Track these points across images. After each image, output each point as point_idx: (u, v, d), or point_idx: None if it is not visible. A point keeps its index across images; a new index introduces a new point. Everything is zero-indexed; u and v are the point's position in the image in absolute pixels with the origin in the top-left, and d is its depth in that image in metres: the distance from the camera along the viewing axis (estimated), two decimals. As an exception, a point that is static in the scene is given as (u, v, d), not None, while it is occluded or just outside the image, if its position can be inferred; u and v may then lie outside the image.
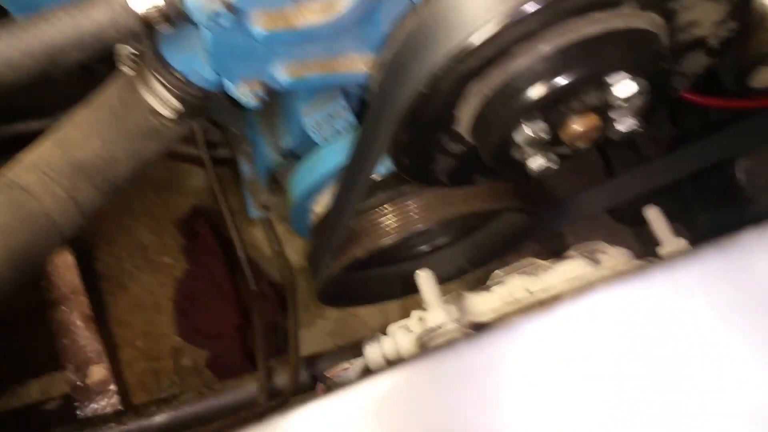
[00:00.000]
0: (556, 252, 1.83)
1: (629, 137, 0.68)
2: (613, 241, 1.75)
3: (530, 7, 0.54)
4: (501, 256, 1.21)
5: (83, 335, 1.36)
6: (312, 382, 1.22)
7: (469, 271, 1.21)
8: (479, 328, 0.67)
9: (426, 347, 0.70)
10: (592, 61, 0.58)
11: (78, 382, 1.33)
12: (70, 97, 1.28)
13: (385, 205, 0.94)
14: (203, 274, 1.46)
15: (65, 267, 1.40)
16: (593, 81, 0.60)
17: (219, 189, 1.28)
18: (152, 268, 1.55)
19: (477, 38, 0.55)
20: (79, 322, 1.37)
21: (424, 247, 1.16)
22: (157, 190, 1.58)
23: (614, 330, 0.29)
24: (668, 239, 0.72)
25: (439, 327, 0.66)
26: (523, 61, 0.59)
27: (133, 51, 0.80)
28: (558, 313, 0.34)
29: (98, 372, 1.36)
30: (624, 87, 0.59)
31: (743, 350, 0.25)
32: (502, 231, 1.15)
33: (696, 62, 0.72)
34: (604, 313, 0.31)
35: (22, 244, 0.76)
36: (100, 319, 1.44)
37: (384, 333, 0.82)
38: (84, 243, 1.52)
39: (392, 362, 0.78)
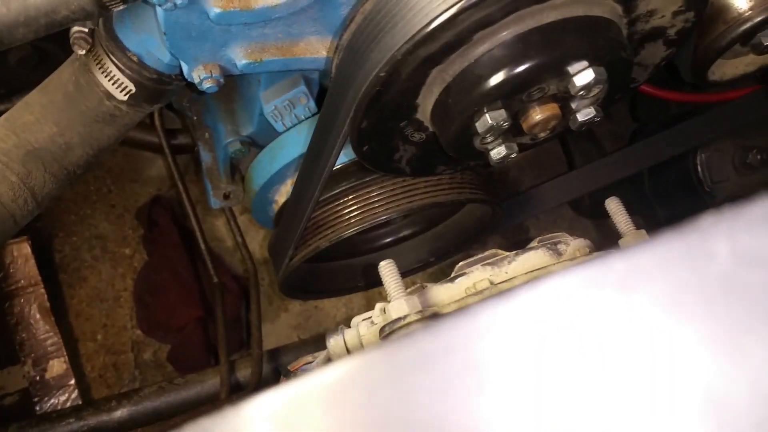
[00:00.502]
0: (519, 243, 1.85)
1: (589, 127, 0.68)
2: (575, 233, 1.77)
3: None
4: (464, 249, 1.21)
5: (42, 328, 1.33)
6: (275, 376, 1.20)
7: (433, 263, 1.21)
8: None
9: (388, 338, 0.69)
10: (551, 48, 0.58)
11: (36, 377, 1.30)
12: (25, 80, 1.24)
13: (347, 196, 0.93)
14: (163, 265, 1.43)
15: (23, 258, 1.37)
16: (553, 69, 0.60)
17: (179, 178, 1.25)
18: (112, 259, 1.51)
19: (437, 21, 0.54)
20: (37, 315, 1.34)
21: (387, 239, 1.15)
22: (115, 178, 1.55)
23: (570, 315, 0.29)
24: (629, 231, 0.72)
25: (402, 318, 0.65)
26: (483, 47, 0.59)
27: (86, 31, 0.77)
28: (514, 299, 0.34)
29: (57, 366, 1.33)
30: (584, 75, 0.59)
31: (699, 332, 0.25)
32: (466, 223, 1.15)
33: (655, 53, 0.72)
34: (560, 298, 0.30)
35: (-29, 232, 0.73)
36: (59, 311, 1.40)
37: (348, 326, 0.81)
38: (42, 233, 1.48)
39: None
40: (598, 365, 0.25)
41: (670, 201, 1.37)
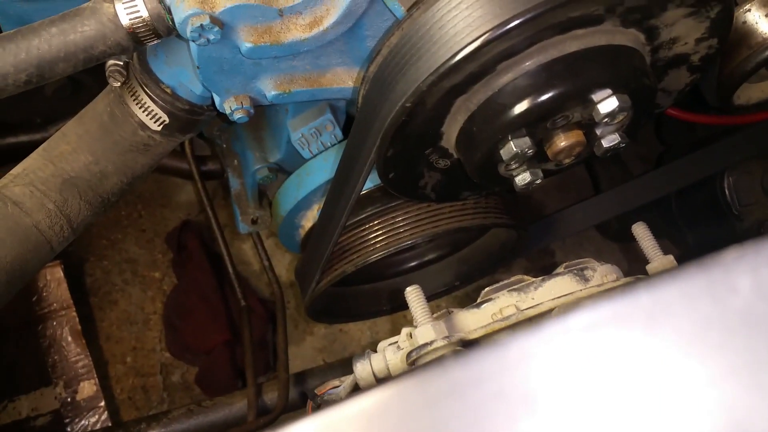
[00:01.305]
0: (545, 268, 1.84)
1: (614, 153, 0.69)
2: (602, 257, 1.76)
3: (513, 23, 0.54)
4: (490, 273, 1.21)
5: (73, 351, 1.36)
6: (302, 400, 1.21)
7: (458, 287, 1.21)
8: (469, 344, 0.67)
9: (415, 364, 0.69)
10: (574, 77, 0.59)
11: (68, 398, 1.32)
12: (60, 110, 1.29)
13: (373, 221, 0.94)
14: (192, 288, 1.46)
15: (55, 282, 1.40)
16: (577, 97, 0.61)
17: (208, 203, 1.28)
18: (141, 283, 1.54)
19: (462, 54, 0.55)
20: (69, 338, 1.37)
21: (412, 263, 1.16)
22: (146, 203, 1.58)
23: (598, 349, 0.29)
24: (656, 256, 0.72)
25: (429, 344, 0.65)
26: (507, 77, 0.60)
27: (121, 64, 0.80)
28: (543, 332, 0.34)
29: (88, 388, 1.35)
30: (607, 103, 0.60)
31: (722, 366, 0.25)
32: (491, 247, 1.15)
33: (678, 79, 0.73)
34: (589, 332, 0.31)
35: (12, 258, 0.76)
36: (90, 334, 1.43)
37: (374, 350, 0.81)
38: (74, 257, 1.51)
39: (382, 379, 0.77)
40: (625, 399, 0.26)
41: (698, 224, 1.35)
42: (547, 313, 0.62)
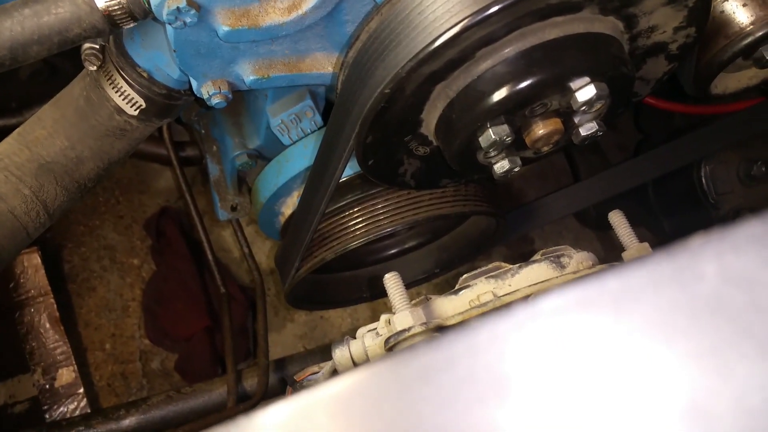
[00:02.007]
0: (524, 255, 1.85)
1: (592, 141, 0.69)
2: (580, 245, 1.78)
3: (493, 8, 0.54)
4: (470, 260, 1.21)
5: (51, 338, 1.35)
6: (281, 386, 1.21)
7: (438, 274, 1.22)
8: (446, 330, 0.67)
9: (393, 350, 0.70)
10: (553, 65, 0.59)
11: (46, 385, 1.31)
12: (36, 95, 1.26)
13: (353, 208, 0.94)
14: (171, 275, 1.45)
15: (33, 268, 1.38)
16: (555, 84, 0.61)
17: (187, 189, 1.27)
18: (120, 270, 1.53)
19: (441, 39, 0.55)
20: (47, 325, 1.36)
21: (392, 250, 1.16)
22: (124, 189, 1.56)
23: (566, 332, 0.30)
24: (632, 243, 0.73)
25: (407, 330, 0.66)
26: (486, 64, 0.60)
27: (97, 48, 0.79)
28: (513, 316, 0.35)
29: (66, 375, 1.34)
30: (586, 91, 0.60)
31: (687, 350, 0.26)
32: (471, 234, 1.16)
33: (657, 67, 0.73)
34: (557, 316, 0.31)
35: (-15, 244, 0.74)
36: (68, 321, 1.42)
37: (353, 336, 0.82)
38: (51, 244, 1.49)
39: (360, 365, 0.78)
40: (591, 381, 0.26)
41: (675, 212, 1.37)
42: (523, 300, 0.63)
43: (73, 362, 1.35)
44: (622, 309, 0.25)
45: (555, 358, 0.28)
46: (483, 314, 0.66)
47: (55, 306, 1.39)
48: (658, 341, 0.24)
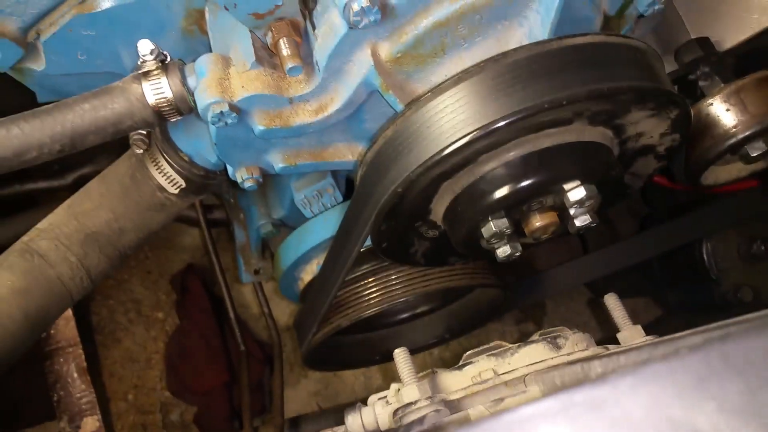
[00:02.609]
0: (536, 319, 1.89)
1: (586, 231, 0.76)
2: (591, 311, 1.81)
3: (496, 126, 0.62)
4: (479, 326, 1.27)
5: (78, 387, 1.41)
6: (295, 444, 1.26)
7: (448, 340, 1.27)
8: (450, 405, 0.73)
9: (401, 421, 0.75)
10: (547, 169, 0.67)
11: (71, 433, 1.37)
12: (76, 158, 1.37)
13: (368, 278, 1.01)
14: (194, 330, 1.52)
15: (64, 320, 1.46)
16: (549, 186, 0.68)
17: (213, 250, 1.35)
18: (145, 323, 1.60)
19: (448, 150, 0.63)
20: (75, 374, 1.42)
21: (404, 315, 1.22)
22: (152, 245, 1.65)
23: (570, 429, 0.36)
24: (626, 325, 0.79)
25: (413, 403, 0.72)
26: (488, 167, 0.68)
27: (144, 134, 0.88)
28: (520, 412, 0.40)
29: (91, 423, 1.39)
30: (576, 192, 0.68)
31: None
32: (480, 303, 1.22)
33: (647, 165, 0.81)
34: (560, 416, 0.37)
35: (37, 307, 0.83)
36: (94, 371, 1.48)
37: (364, 401, 0.87)
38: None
39: (371, 432, 0.83)
40: None
41: (678, 285, 1.42)
42: (520, 379, 0.69)
43: (98, 411, 1.41)
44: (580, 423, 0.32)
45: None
46: (487, 392, 0.71)
47: (83, 356, 1.45)
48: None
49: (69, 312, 1.49)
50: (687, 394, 0.29)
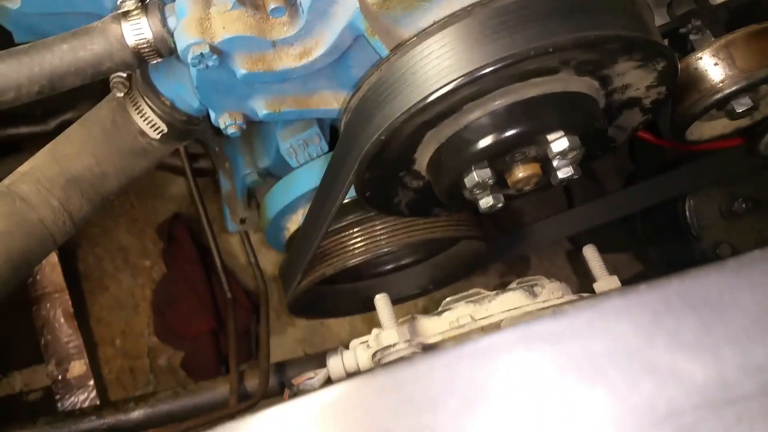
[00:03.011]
0: (520, 273, 1.92)
1: (569, 183, 0.76)
2: (572, 265, 1.84)
3: (480, 72, 0.62)
4: (463, 278, 1.29)
5: (65, 332, 1.43)
6: (280, 388, 1.28)
7: (432, 290, 1.29)
8: (428, 348, 0.75)
9: (380, 363, 0.77)
10: (530, 120, 0.67)
11: (59, 376, 1.39)
12: (59, 103, 1.35)
13: (353, 228, 1.02)
14: (180, 278, 1.53)
15: (50, 266, 1.46)
16: (533, 136, 0.68)
17: (198, 198, 1.35)
18: (132, 270, 1.61)
19: (433, 96, 0.63)
20: (61, 319, 1.43)
21: (389, 266, 1.24)
22: (138, 195, 1.64)
23: (528, 360, 0.37)
24: (602, 276, 0.80)
25: (392, 346, 0.73)
26: (473, 116, 0.67)
27: (125, 76, 0.87)
28: (483, 342, 0.42)
29: (78, 367, 1.42)
30: (559, 143, 0.68)
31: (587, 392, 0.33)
32: (464, 255, 1.23)
33: (632, 118, 0.80)
34: (519, 346, 0.38)
35: (19, 250, 0.82)
36: (81, 317, 1.50)
37: (347, 346, 0.89)
38: (68, 243, 1.56)
39: (352, 373, 0.85)
40: (549, 404, 0.33)
41: (660, 242, 1.44)
42: (496, 324, 0.70)
43: (85, 356, 1.43)
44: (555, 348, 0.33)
45: (515, 383, 0.35)
46: (464, 336, 0.73)
47: (69, 302, 1.47)
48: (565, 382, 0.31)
49: (55, 258, 1.49)
50: (643, 329, 0.30)
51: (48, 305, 1.46)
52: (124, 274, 1.60)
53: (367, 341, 0.85)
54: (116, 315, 1.57)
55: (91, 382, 1.40)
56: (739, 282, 0.30)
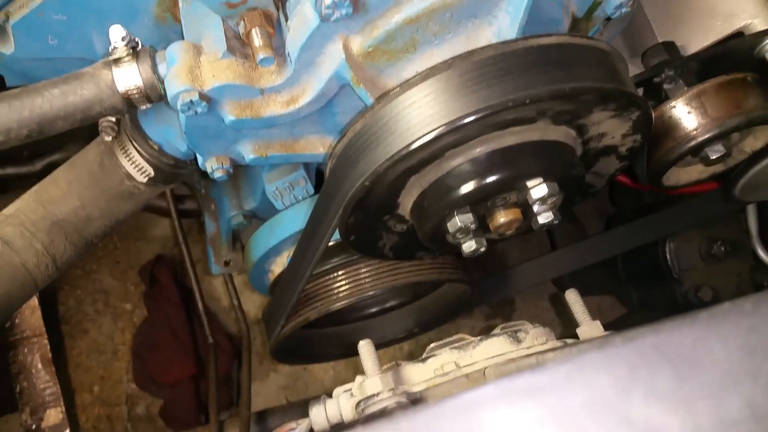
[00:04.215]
0: (505, 315, 1.92)
1: (550, 228, 0.78)
2: (556, 307, 1.84)
3: (463, 121, 0.64)
4: (448, 321, 1.29)
5: (42, 378, 1.39)
6: (262, 438, 1.26)
7: (417, 334, 1.29)
8: (412, 397, 0.74)
9: (363, 413, 0.76)
10: (511, 166, 0.68)
11: (33, 425, 1.35)
12: (46, 145, 1.35)
13: (338, 271, 1.02)
14: (161, 321, 1.51)
15: (30, 309, 1.44)
16: (513, 183, 0.70)
17: (183, 241, 1.35)
18: (113, 314, 1.59)
19: (416, 144, 0.64)
20: (39, 365, 1.40)
21: (374, 309, 1.23)
22: (122, 236, 1.64)
23: (510, 415, 0.37)
24: (585, 321, 0.81)
25: (377, 395, 0.73)
26: (455, 162, 0.69)
27: (114, 121, 0.88)
28: (464, 398, 0.42)
29: (54, 416, 1.38)
30: (539, 189, 0.69)
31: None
32: (449, 298, 1.23)
33: (609, 165, 0.83)
34: (501, 401, 0.39)
35: (0, 294, 0.81)
36: (59, 361, 1.47)
37: (330, 394, 0.88)
38: (48, 286, 1.55)
39: (335, 424, 0.84)
40: None
41: (642, 284, 1.46)
42: (480, 371, 0.70)
43: (62, 403, 1.39)
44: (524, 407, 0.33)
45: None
46: (449, 384, 0.73)
47: (48, 347, 1.44)
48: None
49: (35, 301, 1.47)
50: (620, 383, 0.30)
51: (25, 350, 1.43)
52: (105, 318, 1.58)
53: (351, 389, 0.84)
54: (95, 360, 1.54)
55: (67, 431, 1.37)
56: (712, 335, 0.31)
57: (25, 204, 0.90)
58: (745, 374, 0.29)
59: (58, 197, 0.90)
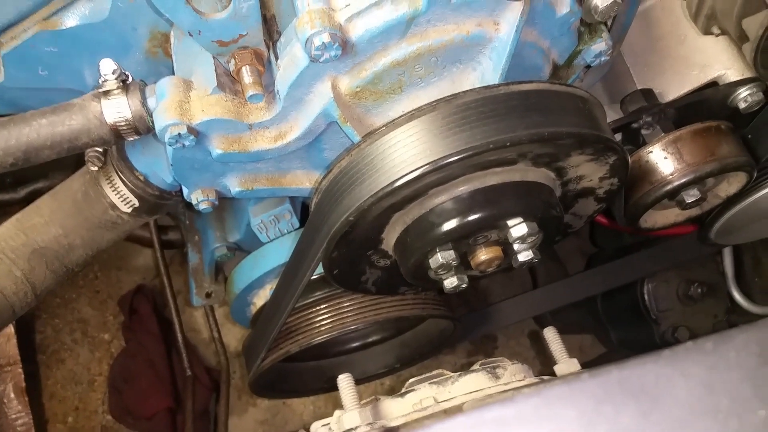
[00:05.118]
0: (487, 351, 1.91)
1: (530, 266, 0.79)
2: (538, 344, 1.85)
3: (446, 161, 0.65)
4: (430, 356, 1.29)
5: (14, 408, 1.36)
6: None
7: (399, 369, 1.28)
8: (390, 431, 0.74)
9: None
10: (492, 206, 0.70)
11: (2, 458, 1.32)
12: (30, 173, 1.35)
13: (320, 305, 1.02)
14: (139, 353, 1.49)
15: (5, 337, 1.42)
16: (494, 221, 0.72)
17: (165, 272, 1.34)
18: (90, 344, 1.57)
19: (400, 182, 0.66)
20: (12, 395, 1.37)
21: (355, 344, 1.23)
22: (102, 265, 1.62)
23: None
24: (563, 359, 0.81)
25: (354, 429, 0.73)
26: (437, 200, 0.71)
27: (100, 151, 0.88)
28: (438, 428, 0.42)
29: (25, 448, 1.35)
30: (518, 229, 0.71)
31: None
32: (431, 333, 1.24)
33: (587, 206, 0.85)
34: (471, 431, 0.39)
35: (-24, 321, 0.81)
36: (34, 391, 1.44)
37: (308, 428, 0.88)
38: (26, 313, 1.53)
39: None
40: None
41: (620, 324, 1.47)
42: (458, 407, 0.70)
43: (33, 434, 1.36)
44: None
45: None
46: (427, 419, 0.73)
47: (22, 376, 1.41)
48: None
49: (11, 329, 1.45)
50: (585, 416, 0.31)
51: (-1, 379, 1.41)
52: (82, 348, 1.55)
53: (329, 423, 0.84)
54: (71, 390, 1.51)
55: (37, 464, 1.33)
56: (674, 372, 0.32)
57: (6, 231, 0.90)
58: (705, 411, 0.30)
59: (41, 225, 0.90)
